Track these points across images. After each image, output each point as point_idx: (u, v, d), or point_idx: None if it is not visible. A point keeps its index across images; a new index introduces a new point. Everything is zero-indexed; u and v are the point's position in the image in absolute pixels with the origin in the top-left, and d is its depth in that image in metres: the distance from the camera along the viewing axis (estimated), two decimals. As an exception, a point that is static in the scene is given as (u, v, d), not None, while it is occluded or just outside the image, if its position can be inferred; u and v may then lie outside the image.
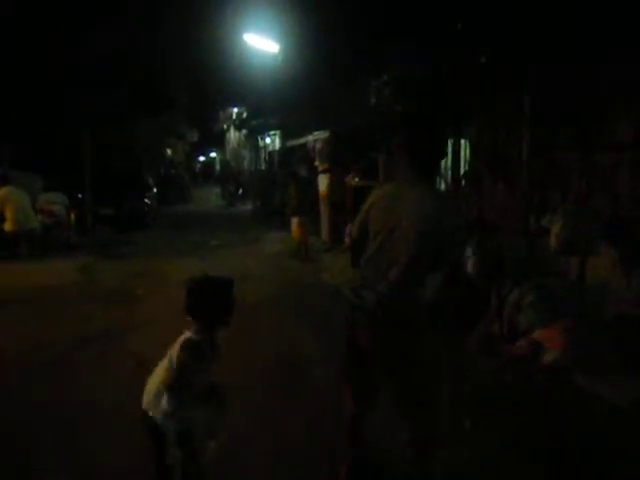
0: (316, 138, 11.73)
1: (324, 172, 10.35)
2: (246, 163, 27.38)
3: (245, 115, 25.22)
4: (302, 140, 13.33)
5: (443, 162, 7.59)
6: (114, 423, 3.15)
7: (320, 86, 10.93)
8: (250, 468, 2.79)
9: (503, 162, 5.71)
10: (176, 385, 1.95)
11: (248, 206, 18.78)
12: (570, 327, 4.00)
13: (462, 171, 7.52)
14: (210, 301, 1.96)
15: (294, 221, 9.05)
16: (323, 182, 10.22)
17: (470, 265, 4.68)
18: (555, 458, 2.88)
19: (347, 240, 2.33)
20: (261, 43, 11.91)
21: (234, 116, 29.22)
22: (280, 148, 18.21)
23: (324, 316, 5.53)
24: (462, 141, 7.61)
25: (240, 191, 22.06)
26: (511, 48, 5.09)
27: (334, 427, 3.17)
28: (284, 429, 3.21)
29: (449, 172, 7.54)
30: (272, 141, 20.66)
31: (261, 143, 22.67)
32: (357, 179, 9.02)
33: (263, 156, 22.52)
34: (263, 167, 21.75)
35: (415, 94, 7.59)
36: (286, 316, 5.68)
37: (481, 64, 5.72)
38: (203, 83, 21.83)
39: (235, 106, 27.64)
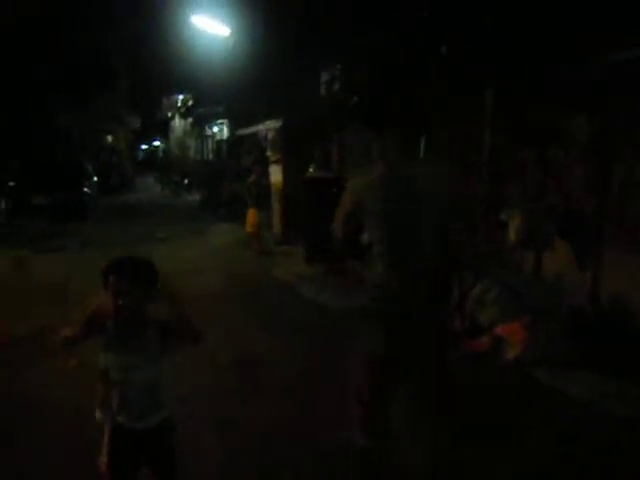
0: (268, 128, 11.43)
1: (276, 163, 10.07)
2: (192, 152, 26.52)
3: (191, 102, 24.36)
4: (252, 129, 12.96)
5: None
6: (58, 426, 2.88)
7: (271, 74, 10.61)
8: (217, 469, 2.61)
9: (461, 158, 5.71)
10: None
11: (195, 196, 18.20)
12: (531, 323, 4.02)
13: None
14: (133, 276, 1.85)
15: (252, 212, 8.67)
16: (276, 173, 9.95)
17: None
18: (520, 454, 2.85)
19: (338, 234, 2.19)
20: (211, 26, 11.41)
21: (179, 103, 28.19)
22: (228, 137, 17.69)
23: (277, 312, 5.38)
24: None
25: (186, 181, 21.34)
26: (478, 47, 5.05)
27: (304, 425, 3.03)
28: (251, 429, 3.04)
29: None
30: (220, 130, 20.06)
31: (208, 132, 21.97)
32: (311, 170, 8.81)
33: (210, 145, 21.86)
34: (210, 157, 21.11)
35: (366, 89, 7.45)
36: (238, 311, 5.44)
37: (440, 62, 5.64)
38: (145, 65, 20.79)
39: (180, 93, 26.64)
